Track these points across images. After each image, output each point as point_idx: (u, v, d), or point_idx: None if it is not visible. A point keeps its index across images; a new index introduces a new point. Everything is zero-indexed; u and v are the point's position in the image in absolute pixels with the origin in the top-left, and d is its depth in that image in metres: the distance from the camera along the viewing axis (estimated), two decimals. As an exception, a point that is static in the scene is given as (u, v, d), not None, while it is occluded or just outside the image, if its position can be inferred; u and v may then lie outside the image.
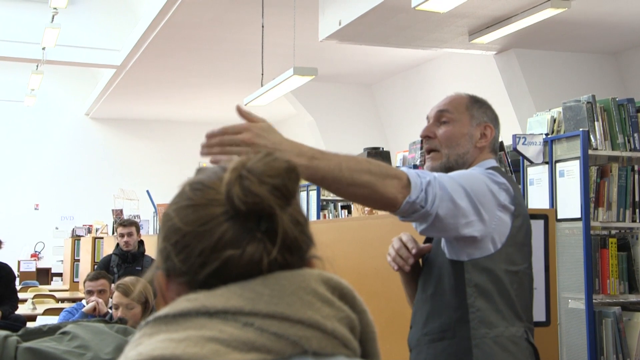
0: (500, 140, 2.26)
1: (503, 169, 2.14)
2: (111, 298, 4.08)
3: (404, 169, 1.70)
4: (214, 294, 0.76)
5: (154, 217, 9.19)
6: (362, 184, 1.61)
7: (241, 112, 1.52)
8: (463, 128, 2.03)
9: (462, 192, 1.76)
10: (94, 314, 4.33)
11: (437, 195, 1.70)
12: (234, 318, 0.74)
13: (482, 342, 1.86)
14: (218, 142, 1.45)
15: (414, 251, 2.00)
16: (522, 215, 1.94)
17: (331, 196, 7.14)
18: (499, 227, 1.86)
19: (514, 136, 3.73)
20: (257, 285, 0.77)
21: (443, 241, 1.93)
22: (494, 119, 2.07)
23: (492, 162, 2.04)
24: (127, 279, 3.89)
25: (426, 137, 2.07)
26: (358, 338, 0.81)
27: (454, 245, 1.89)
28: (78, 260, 10.48)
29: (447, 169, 1.99)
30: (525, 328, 1.94)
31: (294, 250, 0.81)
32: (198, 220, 0.80)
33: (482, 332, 1.87)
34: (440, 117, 2.07)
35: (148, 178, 14.16)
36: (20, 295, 7.53)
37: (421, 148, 5.33)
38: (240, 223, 0.79)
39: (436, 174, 1.75)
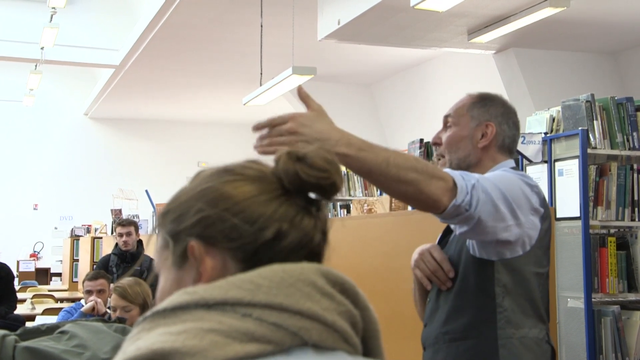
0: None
1: None
2: (110, 298, 4.07)
3: (448, 170, 1.68)
4: (213, 286, 0.76)
5: (152, 216, 9.18)
6: (408, 182, 1.58)
7: (300, 94, 1.52)
8: (463, 131, 2.01)
9: (501, 196, 1.73)
10: (92, 314, 4.33)
11: (481, 199, 1.67)
12: (233, 309, 0.74)
13: (509, 342, 1.85)
14: (267, 135, 1.47)
15: (451, 274, 1.94)
16: (549, 218, 1.94)
17: (330, 196, 7.12)
18: (529, 230, 1.84)
19: (513, 135, 3.73)
20: (255, 277, 0.77)
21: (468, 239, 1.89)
22: (499, 115, 2.03)
23: (511, 163, 2.02)
24: (125, 281, 3.87)
25: (434, 144, 2.07)
26: (360, 335, 0.80)
27: (486, 244, 1.86)
28: (77, 260, 10.48)
29: None
30: (546, 330, 1.94)
31: (326, 234, 0.86)
32: (252, 190, 0.83)
33: (509, 332, 1.85)
34: (446, 122, 2.06)
35: (147, 178, 14.15)
36: (19, 295, 7.53)
37: (420, 147, 5.33)
38: (292, 200, 0.83)
39: (478, 176, 1.72)
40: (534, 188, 1.86)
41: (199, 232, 0.82)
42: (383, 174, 1.56)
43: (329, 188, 0.83)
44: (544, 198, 1.92)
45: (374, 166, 1.54)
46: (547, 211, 1.91)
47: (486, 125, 2.00)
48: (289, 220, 0.81)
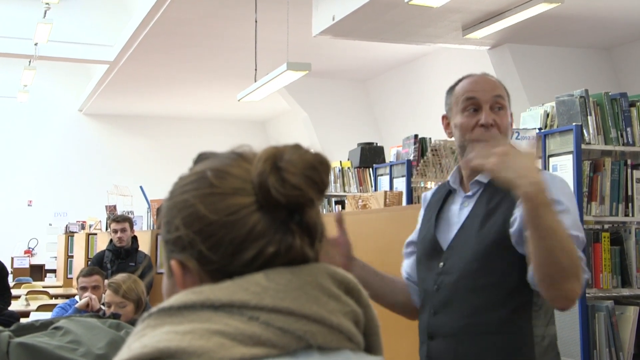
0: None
1: None
2: (104, 294, 4.07)
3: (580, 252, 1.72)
4: (219, 287, 0.76)
5: (147, 212, 9.17)
6: (555, 259, 1.63)
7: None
8: (508, 116, 1.94)
9: (578, 226, 1.82)
10: (87, 310, 4.32)
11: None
12: (240, 312, 0.74)
13: (542, 340, 1.85)
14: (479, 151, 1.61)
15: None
16: None
17: (325, 191, 7.12)
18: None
19: (508, 131, 3.73)
20: (262, 279, 0.76)
21: (515, 237, 1.81)
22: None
23: None
24: (119, 277, 3.87)
25: (490, 125, 1.89)
26: (362, 332, 0.81)
27: None
28: (72, 257, 10.44)
29: None
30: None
31: (320, 241, 0.82)
32: (226, 209, 0.78)
33: (543, 330, 1.86)
34: (496, 103, 1.91)
35: (141, 174, 14.12)
36: (14, 292, 7.51)
37: (414, 143, 5.32)
38: (270, 214, 0.78)
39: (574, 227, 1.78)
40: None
41: (177, 251, 0.80)
42: (543, 237, 1.59)
43: (304, 205, 0.78)
44: None
45: (544, 224, 1.58)
46: None
47: (511, 114, 1.98)
48: (269, 238, 0.77)
